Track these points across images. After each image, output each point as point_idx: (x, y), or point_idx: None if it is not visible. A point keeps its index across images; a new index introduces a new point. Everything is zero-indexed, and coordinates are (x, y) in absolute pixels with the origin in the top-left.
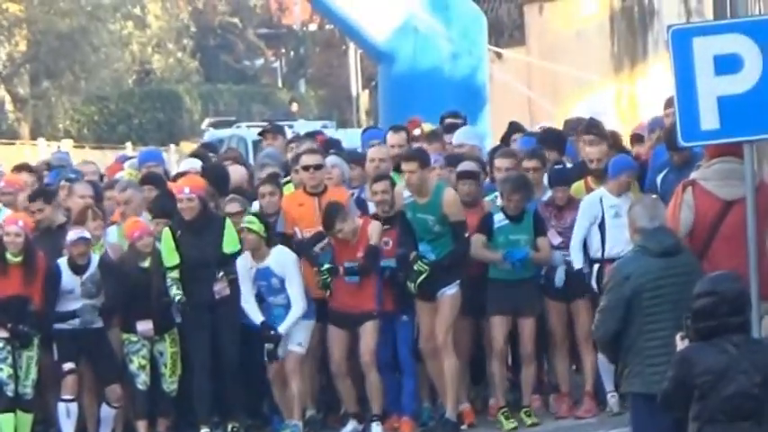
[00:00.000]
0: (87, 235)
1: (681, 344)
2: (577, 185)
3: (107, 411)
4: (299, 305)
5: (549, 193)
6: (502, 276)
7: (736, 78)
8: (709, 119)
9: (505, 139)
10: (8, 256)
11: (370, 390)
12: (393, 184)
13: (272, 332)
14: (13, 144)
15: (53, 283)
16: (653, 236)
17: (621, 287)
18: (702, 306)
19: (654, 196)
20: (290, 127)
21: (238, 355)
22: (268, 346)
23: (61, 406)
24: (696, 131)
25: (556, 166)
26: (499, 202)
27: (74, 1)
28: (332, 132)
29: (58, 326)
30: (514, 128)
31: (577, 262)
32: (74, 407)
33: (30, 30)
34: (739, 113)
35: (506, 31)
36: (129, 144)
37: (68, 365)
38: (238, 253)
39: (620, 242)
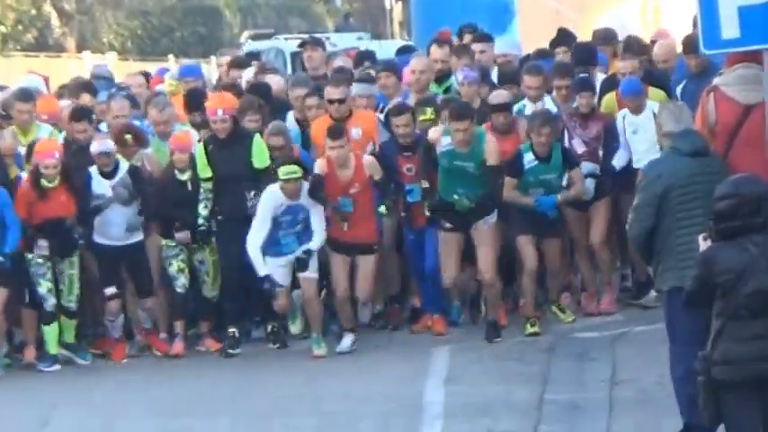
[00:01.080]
0: (109, 149)
1: (703, 244)
2: (609, 99)
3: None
4: (322, 233)
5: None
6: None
7: None
8: (729, 28)
9: (553, 45)
10: (43, 182)
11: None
12: (433, 114)
13: (306, 249)
14: (59, 57)
15: (84, 189)
16: (682, 137)
17: (654, 185)
18: (724, 207)
19: (680, 102)
20: (327, 39)
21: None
22: (302, 256)
23: (108, 323)
24: (717, 40)
25: (581, 75)
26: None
27: None
28: (366, 43)
29: (99, 241)
30: (563, 37)
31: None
32: (119, 323)
33: None
34: (759, 22)
35: None
36: (171, 57)
37: (110, 290)
38: (267, 168)
39: (637, 152)
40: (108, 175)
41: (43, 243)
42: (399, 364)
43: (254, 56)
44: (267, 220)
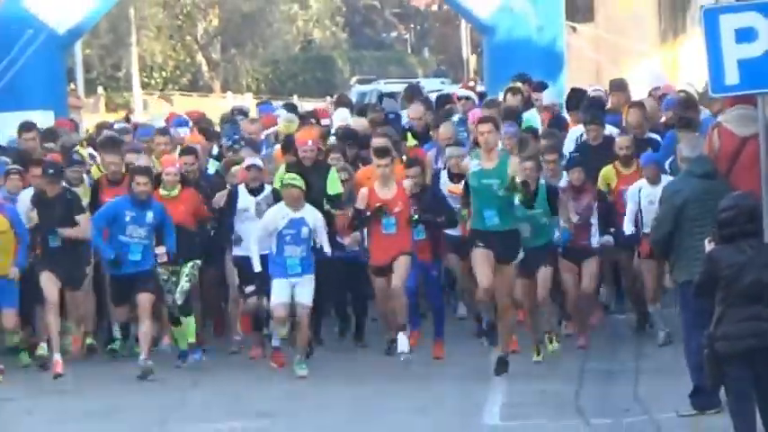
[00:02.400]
0: (259, 163)
1: (708, 246)
2: (607, 170)
3: None
4: (328, 248)
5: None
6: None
7: (751, 46)
8: (731, 76)
9: (571, 108)
10: (163, 192)
11: (399, 308)
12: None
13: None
14: (207, 96)
15: (232, 201)
16: (695, 162)
17: (673, 199)
18: (726, 217)
19: (696, 134)
20: (418, 82)
21: None
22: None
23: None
24: (722, 86)
25: (571, 153)
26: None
27: None
28: (447, 87)
29: (236, 253)
30: (579, 97)
31: (627, 231)
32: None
33: (221, 10)
34: (754, 72)
35: (580, 11)
36: (295, 96)
37: (250, 288)
38: (339, 195)
39: (649, 224)
40: (254, 191)
41: (160, 250)
42: (456, 346)
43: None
44: (269, 226)
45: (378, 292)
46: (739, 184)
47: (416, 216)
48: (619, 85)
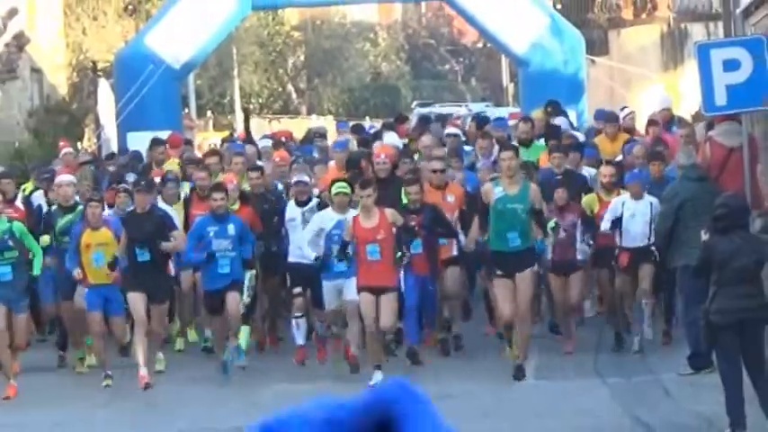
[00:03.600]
0: (306, 179)
1: (705, 236)
2: (590, 197)
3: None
4: None
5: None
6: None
7: (736, 74)
8: (720, 99)
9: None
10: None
11: (376, 347)
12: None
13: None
14: (295, 118)
15: (280, 212)
16: (690, 169)
17: (673, 200)
18: (720, 213)
19: (691, 146)
20: (466, 105)
21: None
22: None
23: (293, 321)
24: (713, 107)
25: (556, 176)
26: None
27: (333, 29)
28: (491, 110)
29: (290, 260)
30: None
31: (604, 227)
32: (302, 321)
33: (306, 48)
34: (738, 95)
35: (596, 46)
36: (367, 117)
37: (297, 290)
38: (406, 205)
39: (629, 235)
40: (301, 203)
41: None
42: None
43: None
44: (319, 225)
45: (365, 307)
46: (727, 187)
47: (400, 253)
48: (608, 118)
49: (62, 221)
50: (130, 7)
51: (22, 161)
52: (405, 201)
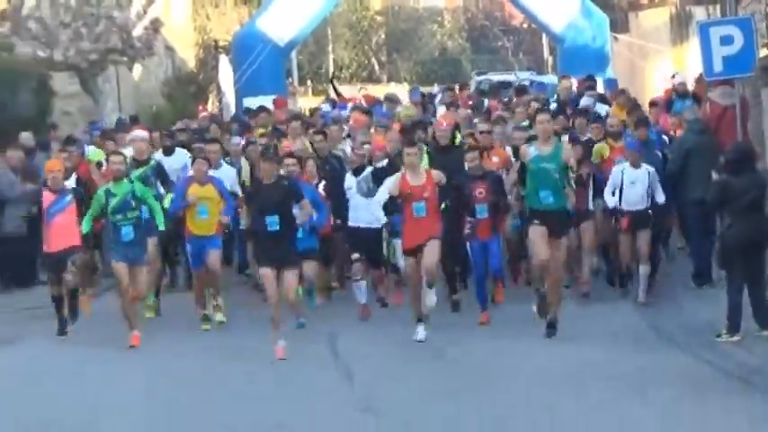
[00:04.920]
0: (361, 150)
1: (716, 176)
2: (600, 146)
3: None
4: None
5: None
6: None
7: (731, 47)
8: (717, 67)
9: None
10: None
11: (424, 295)
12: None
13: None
14: (377, 85)
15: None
16: (693, 123)
17: (682, 147)
18: (732, 156)
19: (695, 105)
20: (515, 74)
21: None
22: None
23: (354, 284)
24: (712, 73)
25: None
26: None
27: (408, 14)
28: (535, 77)
29: (351, 224)
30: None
31: (609, 203)
32: (362, 284)
33: (387, 29)
34: (732, 64)
35: (619, 25)
36: (435, 84)
37: (356, 255)
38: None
39: (629, 201)
40: (357, 171)
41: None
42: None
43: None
44: (389, 190)
45: (408, 269)
46: (723, 138)
47: (445, 204)
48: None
49: (136, 173)
50: None
51: (158, 122)
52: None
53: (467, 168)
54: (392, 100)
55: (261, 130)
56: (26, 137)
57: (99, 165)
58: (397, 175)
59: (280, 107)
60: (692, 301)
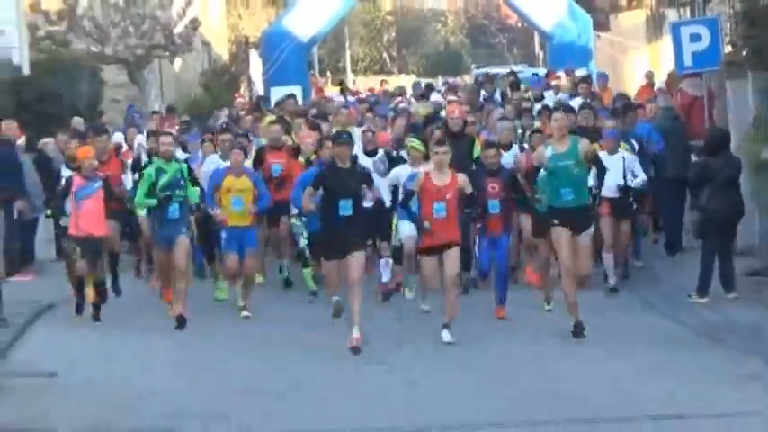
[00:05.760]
0: (372, 128)
1: (695, 158)
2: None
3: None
4: None
5: None
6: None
7: (699, 44)
8: (687, 61)
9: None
10: (301, 159)
11: (451, 299)
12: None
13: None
14: (389, 76)
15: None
16: (667, 110)
17: (657, 131)
18: (710, 140)
19: (668, 94)
20: (509, 67)
21: None
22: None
23: (382, 262)
24: (682, 67)
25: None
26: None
27: (415, 14)
28: (528, 69)
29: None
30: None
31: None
32: (390, 260)
33: (397, 26)
34: (700, 59)
35: (600, 24)
36: (439, 76)
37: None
38: (479, 158)
39: (607, 186)
40: (370, 153)
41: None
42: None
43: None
44: (394, 180)
45: (425, 269)
46: (693, 124)
47: (468, 210)
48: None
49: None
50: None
51: (195, 108)
52: (476, 153)
53: (483, 163)
54: (393, 94)
55: (269, 117)
56: (78, 121)
57: (118, 149)
58: (421, 171)
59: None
60: (666, 269)
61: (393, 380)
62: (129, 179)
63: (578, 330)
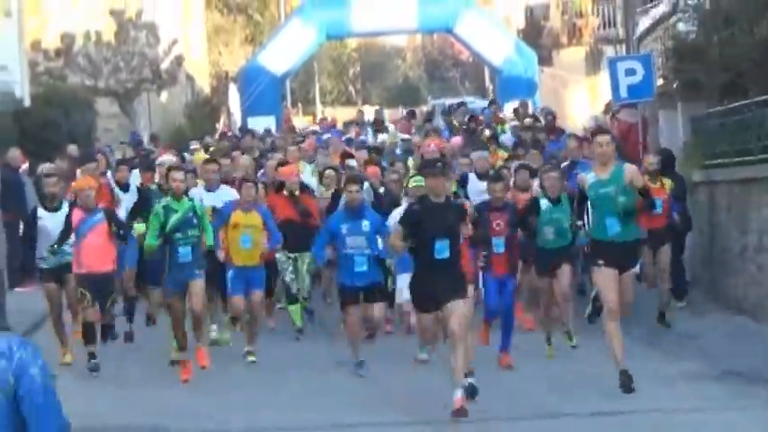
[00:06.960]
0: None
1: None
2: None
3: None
4: None
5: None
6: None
7: (634, 77)
8: (623, 93)
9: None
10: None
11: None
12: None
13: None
14: (353, 107)
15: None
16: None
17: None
18: (663, 159)
19: (606, 118)
20: (463, 99)
21: None
22: None
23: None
24: (619, 98)
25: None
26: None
27: (378, 50)
28: (478, 102)
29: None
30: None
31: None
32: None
33: (361, 62)
34: (635, 91)
35: (544, 60)
36: (400, 107)
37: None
38: (455, 192)
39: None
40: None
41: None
42: None
43: (433, 107)
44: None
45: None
46: (628, 150)
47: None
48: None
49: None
50: (249, 38)
51: (179, 136)
52: (453, 189)
53: (489, 198)
54: (349, 123)
55: (201, 155)
56: (72, 148)
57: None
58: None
59: (287, 122)
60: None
61: None
62: (122, 211)
63: (626, 382)
